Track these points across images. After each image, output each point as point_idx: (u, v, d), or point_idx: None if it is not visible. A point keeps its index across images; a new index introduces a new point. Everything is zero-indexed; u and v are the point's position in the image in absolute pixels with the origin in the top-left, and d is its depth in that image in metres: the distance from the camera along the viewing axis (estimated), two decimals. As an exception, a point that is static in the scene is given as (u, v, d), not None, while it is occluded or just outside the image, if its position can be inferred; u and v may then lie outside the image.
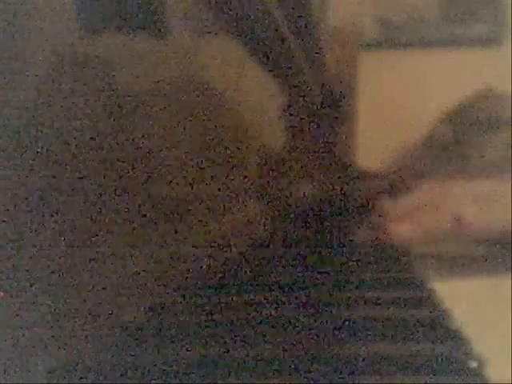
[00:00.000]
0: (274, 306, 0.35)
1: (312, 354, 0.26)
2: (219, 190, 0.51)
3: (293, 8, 0.66)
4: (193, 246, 0.42)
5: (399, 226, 0.56)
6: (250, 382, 0.25)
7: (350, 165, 1.34)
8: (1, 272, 0.22)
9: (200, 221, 0.45)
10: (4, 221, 0.22)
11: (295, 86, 0.84)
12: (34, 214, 0.24)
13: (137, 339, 0.29)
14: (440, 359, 0.26)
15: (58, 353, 0.24)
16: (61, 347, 0.25)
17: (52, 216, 0.25)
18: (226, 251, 0.49)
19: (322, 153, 1.15)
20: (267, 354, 0.26)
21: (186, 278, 0.40)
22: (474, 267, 0.53)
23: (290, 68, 0.75)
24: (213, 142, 0.49)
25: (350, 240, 0.59)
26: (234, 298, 0.36)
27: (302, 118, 0.96)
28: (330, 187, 1.06)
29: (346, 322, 0.31)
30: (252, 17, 0.55)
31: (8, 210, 0.22)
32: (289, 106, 0.85)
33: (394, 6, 2.14)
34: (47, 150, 0.25)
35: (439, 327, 0.30)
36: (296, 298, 0.36)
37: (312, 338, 0.30)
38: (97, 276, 0.28)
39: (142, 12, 0.34)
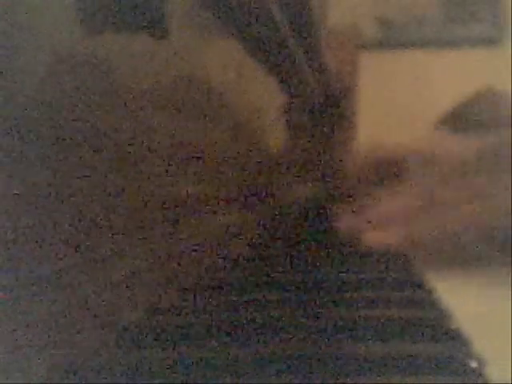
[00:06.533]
0: (274, 305, 0.35)
1: (312, 354, 0.26)
2: (219, 190, 0.51)
3: (293, 8, 0.66)
4: (193, 246, 0.43)
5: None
6: (250, 382, 0.25)
7: (350, 165, 1.34)
8: (1, 272, 0.22)
9: (200, 220, 0.45)
10: (4, 221, 0.22)
11: (295, 86, 0.84)
12: (34, 214, 0.24)
13: (137, 339, 0.29)
14: (440, 359, 0.26)
15: (58, 353, 0.24)
16: (61, 347, 0.25)
17: (52, 216, 0.25)
18: (227, 251, 0.49)
19: (322, 153, 1.15)
20: (267, 354, 0.26)
21: (186, 278, 0.40)
22: (474, 267, 0.53)
23: (290, 68, 0.75)
24: (213, 141, 0.49)
25: (350, 240, 0.59)
26: (234, 298, 0.36)
27: (302, 118, 0.96)
28: (330, 187, 1.06)
29: (346, 322, 0.31)
30: (252, 17, 0.55)
31: (8, 210, 0.22)
32: (289, 106, 0.85)
33: (394, 6, 2.14)
34: (47, 149, 0.25)
35: (439, 327, 0.30)
36: (296, 298, 0.36)
37: (312, 338, 0.30)
38: (97, 276, 0.28)
39: (142, 12, 0.34)
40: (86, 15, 0.28)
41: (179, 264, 0.39)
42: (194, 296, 0.37)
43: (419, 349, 0.27)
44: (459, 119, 1.12)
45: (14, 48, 0.23)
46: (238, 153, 0.58)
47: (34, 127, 0.24)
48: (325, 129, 1.17)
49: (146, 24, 0.35)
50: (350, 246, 0.58)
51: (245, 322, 0.31)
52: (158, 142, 0.37)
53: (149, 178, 0.36)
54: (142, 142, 0.35)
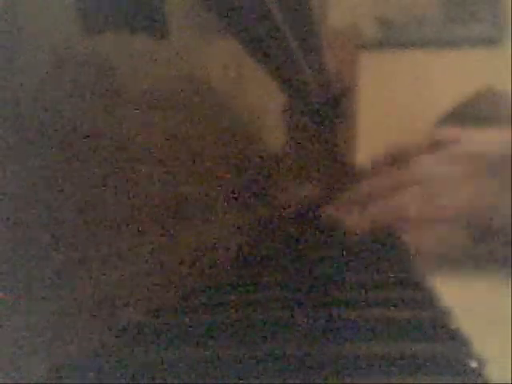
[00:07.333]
0: (274, 306, 0.35)
1: (312, 354, 0.26)
2: (219, 190, 0.51)
3: (293, 8, 0.66)
4: (193, 246, 0.43)
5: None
6: (250, 382, 0.25)
7: (350, 165, 1.34)
8: (1, 272, 0.22)
9: (200, 220, 0.45)
10: (4, 221, 0.22)
11: (295, 86, 0.84)
12: (34, 214, 0.24)
13: (137, 339, 0.29)
14: (440, 359, 0.26)
15: (58, 353, 0.24)
16: (61, 347, 0.25)
17: (52, 216, 0.25)
18: (226, 251, 0.49)
19: (322, 153, 1.15)
20: (267, 354, 0.26)
21: (186, 278, 0.40)
22: (475, 267, 0.53)
23: (290, 68, 0.75)
24: (212, 142, 0.49)
25: (350, 240, 0.59)
26: (234, 298, 0.36)
27: (301, 118, 0.96)
28: (330, 187, 1.06)
29: (346, 322, 0.31)
30: (252, 17, 0.55)
31: (8, 210, 0.22)
32: (289, 106, 0.85)
33: (394, 6, 2.13)
34: (47, 149, 0.25)
35: (439, 327, 0.30)
36: (296, 298, 0.36)
37: (312, 338, 0.30)
38: (97, 276, 0.28)
39: (142, 12, 0.34)
40: (86, 15, 0.28)
41: (179, 264, 0.39)
42: (194, 296, 0.37)
43: (419, 349, 0.27)
44: (459, 119, 1.12)
45: (14, 48, 0.23)
46: (238, 153, 0.58)
47: (34, 127, 0.24)
48: (325, 129, 1.17)
49: (145, 24, 0.35)
50: (351, 247, 0.58)
51: (245, 322, 0.31)
52: (158, 142, 0.37)
53: (148, 178, 0.36)
54: (142, 141, 0.35)
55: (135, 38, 0.34)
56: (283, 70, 0.73)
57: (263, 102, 0.71)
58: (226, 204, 0.52)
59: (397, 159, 0.65)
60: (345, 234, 0.57)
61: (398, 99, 2.07)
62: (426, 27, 2.14)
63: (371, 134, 1.80)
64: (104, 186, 0.30)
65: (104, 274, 0.29)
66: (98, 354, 0.27)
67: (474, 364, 0.26)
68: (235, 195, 0.55)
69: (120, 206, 0.32)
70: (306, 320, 0.31)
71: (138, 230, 0.34)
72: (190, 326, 0.30)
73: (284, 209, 0.75)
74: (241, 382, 0.25)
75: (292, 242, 0.62)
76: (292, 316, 0.32)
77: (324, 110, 1.12)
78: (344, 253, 0.55)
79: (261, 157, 0.67)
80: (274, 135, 0.77)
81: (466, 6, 2.13)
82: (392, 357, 0.26)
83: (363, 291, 0.38)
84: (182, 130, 0.42)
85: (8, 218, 0.22)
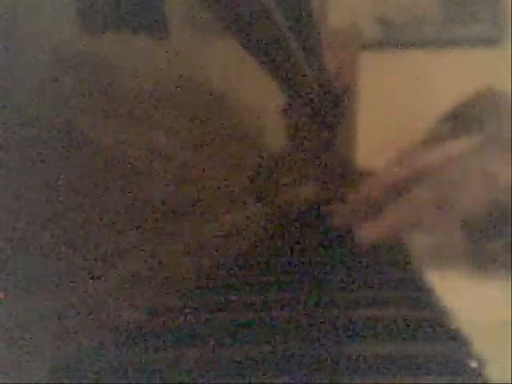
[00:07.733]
0: (274, 305, 0.35)
1: (312, 354, 0.26)
2: (219, 190, 0.51)
3: (293, 8, 0.66)
4: (192, 246, 0.42)
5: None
6: (250, 382, 0.25)
7: (350, 165, 1.34)
8: (1, 272, 0.22)
9: (200, 221, 0.45)
10: (4, 221, 0.22)
11: (295, 86, 0.84)
12: (34, 214, 0.24)
13: (137, 339, 0.29)
14: (440, 359, 0.26)
15: (58, 353, 0.24)
16: (61, 347, 0.25)
17: (52, 216, 0.25)
18: (226, 251, 0.49)
19: (322, 153, 1.15)
20: (267, 354, 0.26)
21: (186, 278, 0.40)
22: (475, 266, 0.53)
23: (290, 68, 0.75)
24: (212, 141, 0.49)
25: (350, 240, 0.59)
26: (234, 298, 0.36)
27: (301, 118, 0.96)
28: (330, 187, 1.06)
29: (346, 322, 0.31)
30: (252, 17, 0.55)
31: (8, 210, 0.22)
32: (289, 106, 0.85)
33: (394, 6, 2.14)
34: (47, 149, 0.25)
35: (439, 327, 0.30)
36: (296, 298, 0.36)
37: (312, 338, 0.30)
38: (97, 276, 0.28)
39: (142, 12, 0.34)
40: (86, 15, 0.28)
41: (179, 264, 0.39)
42: (194, 296, 0.37)
43: (419, 349, 0.27)
44: (459, 119, 1.12)
45: (14, 48, 0.23)
46: (238, 153, 0.58)
47: (34, 127, 0.24)
48: (325, 129, 1.17)
49: (146, 24, 0.35)
50: (351, 246, 0.58)
51: (245, 322, 0.31)
52: (158, 141, 0.37)
53: (149, 178, 0.36)
54: (142, 141, 0.35)
55: (135, 38, 0.34)
56: (283, 69, 0.73)
57: (263, 102, 0.71)
58: (225, 204, 0.52)
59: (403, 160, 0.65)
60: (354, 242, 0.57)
61: (398, 99, 2.07)
62: (426, 27, 2.14)
63: (371, 134, 1.80)
64: (104, 185, 0.30)
65: (104, 274, 0.29)
66: (98, 353, 0.27)
67: (474, 364, 0.26)
68: (235, 195, 0.55)
69: (120, 205, 0.32)
70: (306, 320, 0.31)
71: (138, 231, 0.34)
72: (190, 326, 0.30)
73: (284, 209, 0.75)
74: (241, 382, 0.25)
75: (292, 243, 0.62)
76: (292, 316, 0.32)
77: (324, 110, 1.12)
78: (344, 253, 0.55)
79: (261, 157, 0.67)
80: (274, 135, 0.77)
81: (466, 5, 2.13)
82: (392, 357, 0.26)
83: (363, 291, 0.38)
84: (182, 130, 0.42)
85: (8, 218, 0.22)
